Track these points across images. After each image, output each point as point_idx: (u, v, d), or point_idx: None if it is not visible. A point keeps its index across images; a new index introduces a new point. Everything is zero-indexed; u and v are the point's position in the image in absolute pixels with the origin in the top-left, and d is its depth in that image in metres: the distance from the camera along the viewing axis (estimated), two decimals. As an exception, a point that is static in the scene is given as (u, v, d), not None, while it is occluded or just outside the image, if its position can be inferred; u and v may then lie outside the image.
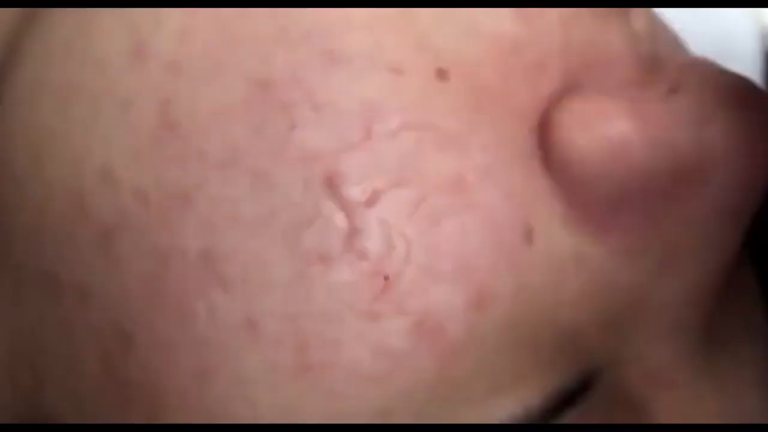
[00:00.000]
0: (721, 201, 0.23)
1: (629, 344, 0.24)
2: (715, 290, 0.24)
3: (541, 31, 0.24)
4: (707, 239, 0.23)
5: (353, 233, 0.22)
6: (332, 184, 0.23)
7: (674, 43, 0.27)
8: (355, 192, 0.22)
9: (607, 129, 0.23)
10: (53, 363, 0.24)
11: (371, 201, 0.22)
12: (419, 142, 0.23)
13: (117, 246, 0.22)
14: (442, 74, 0.23)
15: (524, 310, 0.22)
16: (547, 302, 0.23)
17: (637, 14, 0.25)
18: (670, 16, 0.27)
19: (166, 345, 0.22)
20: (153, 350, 0.22)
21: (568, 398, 0.23)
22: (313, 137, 0.23)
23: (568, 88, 0.24)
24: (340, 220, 0.22)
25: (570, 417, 0.23)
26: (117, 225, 0.22)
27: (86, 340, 0.23)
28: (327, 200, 0.22)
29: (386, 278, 0.22)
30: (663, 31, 0.26)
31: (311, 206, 0.22)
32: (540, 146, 0.23)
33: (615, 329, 0.24)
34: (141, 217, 0.22)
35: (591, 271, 0.23)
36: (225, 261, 0.22)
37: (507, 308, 0.22)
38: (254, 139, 0.23)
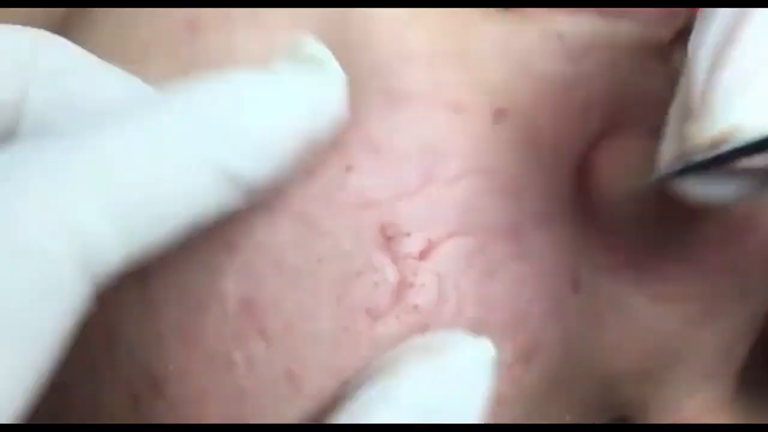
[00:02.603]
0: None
1: (663, 392, 0.24)
2: (753, 336, 0.24)
3: (589, 72, 0.23)
4: (751, 287, 0.23)
5: (404, 287, 0.22)
6: (386, 234, 0.22)
7: None
8: (409, 243, 0.22)
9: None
10: (80, 401, 0.23)
11: (426, 253, 0.22)
12: (478, 189, 0.22)
13: (152, 288, 0.22)
14: (499, 114, 0.23)
15: (566, 357, 0.22)
16: (587, 349, 0.23)
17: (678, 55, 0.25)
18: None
19: (199, 392, 0.22)
20: (185, 397, 0.22)
21: None
22: (370, 182, 0.22)
23: (609, 131, 0.23)
24: (391, 273, 0.22)
25: None
26: (153, 267, 0.21)
27: (115, 383, 0.22)
28: (379, 251, 0.22)
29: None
30: None
31: (362, 257, 0.22)
32: (581, 190, 0.23)
33: (650, 377, 0.23)
34: (179, 260, 0.21)
35: (631, 319, 0.23)
36: (267, 311, 0.22)
37: (551, 357, 0.22)
38: (305, 182, 0.22)
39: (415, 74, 0.23)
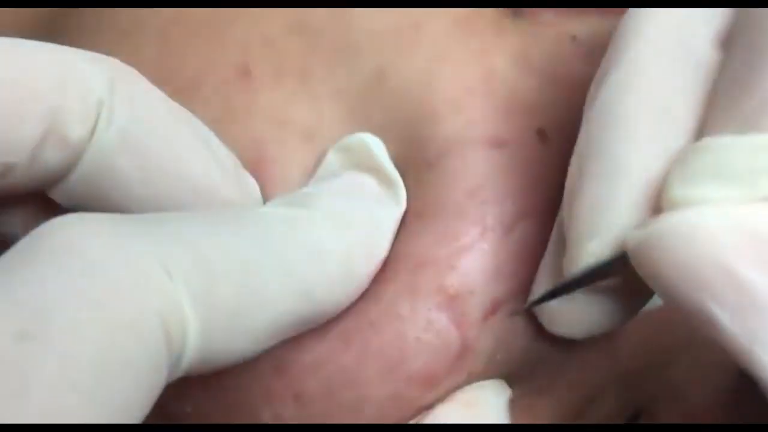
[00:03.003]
0: None
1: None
2: None
3: None
4: None
5: (465, 353, 0.21)
6: (447, 294, 0.21)
7: None
8: (471, 305, 0.22)
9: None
10: None
11: (488, 314, 0.22)
12: (536, 233, 0.22)
13: None
14: (542, 134, 0.23)
15: None
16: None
17: None
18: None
19: None
20: None
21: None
22: (422, 240, 0.22)
23: None
24: (452, 337, 0.21)
25: None
26: None
27: None
28: (440, 313, 0.21)
29: None
30: None
31: (421, 320, 0.21)
32: None
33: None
34: None
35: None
36: (306, 374, 0.22)
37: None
38: None
39: (449, 122, 0.23)
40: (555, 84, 0.24)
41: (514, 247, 0.22)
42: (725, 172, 0.18)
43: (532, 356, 0.23)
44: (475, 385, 0.22)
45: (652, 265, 0.18)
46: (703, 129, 0.19)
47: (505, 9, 0.25)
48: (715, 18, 0.20)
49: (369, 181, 0.23)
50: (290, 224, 0.21)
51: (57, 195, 0.23)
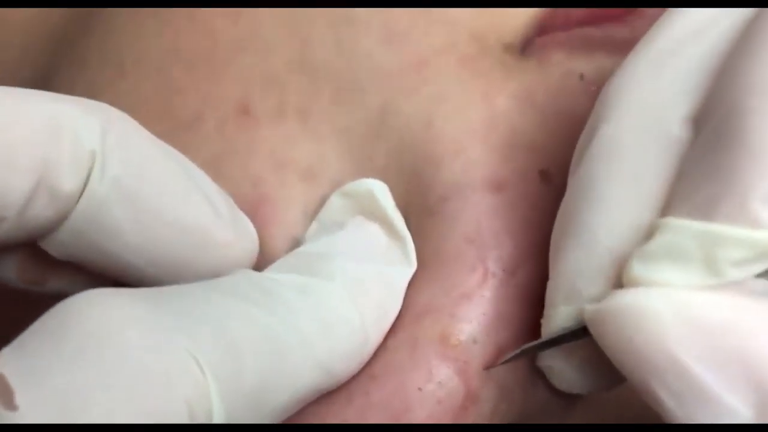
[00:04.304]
0: None
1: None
2: None
3: None
4: None
5: (469, 402, 0.21)
6: (449, 343, 0.21)
7: None
8: (474, 353, 0.21)
9: None
10: None
11: (494, 360, 0.22)
12: (540, 277, 0.22)
13: None
14: (545, 177, 0.23)
15: None
16: None
17: None
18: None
19: None
20: None
21: None
22: (423, 289, 0.22)
23: None
24: (456, 387, 0.21)
25: None
26: None
27: None
28: (442, 362, 0.21)
29: None
30: None
31: (422, 371, 0.21)
32: None
33: None
34: None
35: None
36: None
37: None
38: None
39: (449, 166, 0.23)
40: (560, 122, 0.23)
41: (516, 291, 0.22)
42: (679, 256, 0.18)
43: (535, 404, 0.23)
44: None
45: (604, 339, 0.19)
46: (667, 206, 0.19)
47: (513, 46, 0.25)
48: (691, 95, 0.20)
49: (376, 231, 0.23)
50: (306, 295, 0.21)
51: (48, 246, 0.22)
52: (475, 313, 0.22)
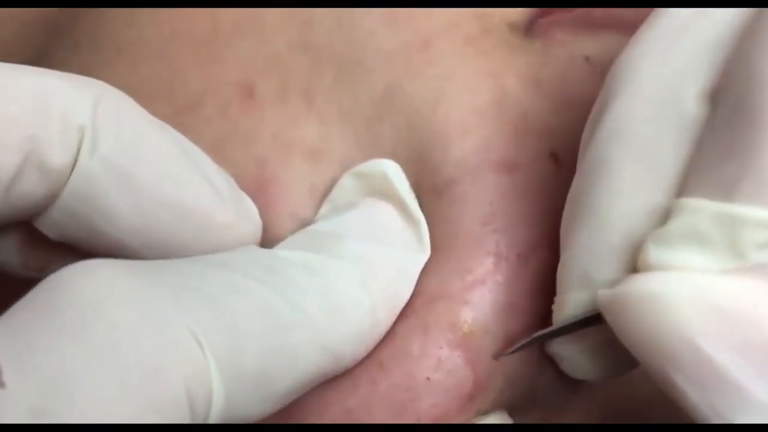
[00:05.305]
0: None
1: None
2: None
3: None
4: None
5: (477, 392, 0.21)
6: (461, 331, 0.21)
7: None
8: (485, 342, 0.21)
9: None
10: None
11: (503, 349, 0.21)
12: (552, 264, 0.21)
13: None
14: (555, 159, 0.22)
15: None
16: None
17: None
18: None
19: None
20: None
21: None
22: (435, 274, 0.22)
23: None
24: (465, 376, 0.21)
25: None
26: None
27: None
28: (452, 350, 0.21)
29: None
30: None
31: (432, 358, 0.21)
32: None
33: None
34: None
35: None
36: (309, 419, 0.21)
37: None
38: None
39: (458, 146, 0.22)
40: (568, 105, 0.23)
41: (529, 277, 0.22)
42: (698, 239, 0.18)
43: (538, 391, 0.23)
44: (478, 418, 0.22)
45: (619, 325, 0.18)
46: (684, 187, 0.19)
47: (518, 26, 0.24)
48: (705, 70, 0.19)
49: (390, 213, 0.23)
50: (313, 274, 0.21)
51: (41, 226, 0.22)
52: (488, 300, 0.21)
